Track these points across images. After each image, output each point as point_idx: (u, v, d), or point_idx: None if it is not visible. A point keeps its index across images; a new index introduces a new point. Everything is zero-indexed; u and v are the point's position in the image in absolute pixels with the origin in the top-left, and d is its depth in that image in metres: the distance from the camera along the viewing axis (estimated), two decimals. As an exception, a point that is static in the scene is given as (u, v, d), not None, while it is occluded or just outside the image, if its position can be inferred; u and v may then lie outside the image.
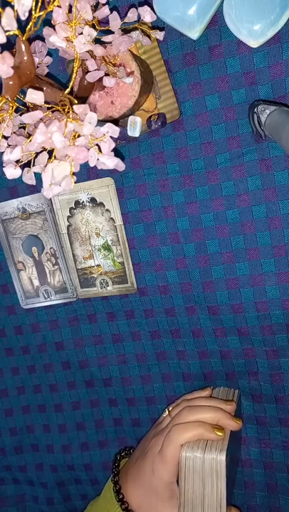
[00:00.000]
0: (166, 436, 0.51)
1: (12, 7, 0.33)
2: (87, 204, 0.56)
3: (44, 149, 0.38)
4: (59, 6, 0.38)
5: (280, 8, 0.41)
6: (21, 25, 0.35)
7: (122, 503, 0.53)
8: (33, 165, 0.39)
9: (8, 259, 0.62)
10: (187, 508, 0.49)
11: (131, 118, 0.45)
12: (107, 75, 0.43)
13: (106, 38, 0.43)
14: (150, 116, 0.49)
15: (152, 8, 0.44)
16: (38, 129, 0.35)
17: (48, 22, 0.40)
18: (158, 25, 0.47)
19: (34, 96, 0.35)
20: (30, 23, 0.37)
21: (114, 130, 0.37)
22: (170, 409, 0.55)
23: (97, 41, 0.41)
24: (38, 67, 0.45)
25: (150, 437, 0.54)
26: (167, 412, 0.55)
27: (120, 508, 0.53)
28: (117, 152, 0.44)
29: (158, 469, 0.51)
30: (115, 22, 0.42)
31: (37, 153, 0.38)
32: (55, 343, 0.63)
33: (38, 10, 0.37)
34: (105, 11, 0.41)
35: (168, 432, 0.51)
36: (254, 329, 0.52)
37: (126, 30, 0.45)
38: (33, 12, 0.36)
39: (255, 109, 0.45)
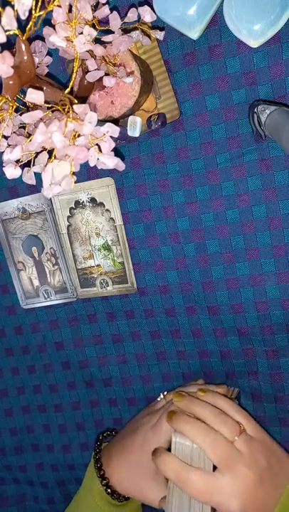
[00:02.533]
0: (163, 413, 0.51)
1: (12, 7, 0.33)
2: (87, 204, 0.56)
3: (44, 149, 0.38)
4: (59, 6, 0.38)
5: (280, 8, 0.41)
6: (21, 24, 0.35)
7: (103, 478, 0.53)
8: (33, 165, 0.39)
9: (8, 259, 0.62)
10: (176, 492, 0.49)
11: (131, 118, 0.45)
12: (107, 74, 0.43)
13: (106, 38, 0.43)
14: (150, 116, 0.49)
15: (152, 8, 0.44)
16: (38, 129, 0.35)
17: (48, 22, 0.40)
18: (158, 25, 0.47)
19: (34, 96, 0.35)
20: (30, 23, 0.37)
21: (114, 130, 0.37)
22: (165, 393, 0.56)
23: (97, 41, 0.41)
24: (38, 66, 0.45)
25: (141, 417, 0.56)
26: (162, 395, 0.56)
27: (100, 484, 0.53)
28: (117, 152, 0.44)
29: (149, 442, 0.51)
30: (115, 22, 0.42)
31: (37, 153, 0.38)
32: (55, 343, 0.63)
33: (38, 9, 0.37)
34: (105, 10, 0.41)
35: (169, 409, 0.51)
36: (254, 329, 0.52)
37: (126, 30, 0.45)
38: (33, 12, 0.36)
39: (255, 109, 0.45)
